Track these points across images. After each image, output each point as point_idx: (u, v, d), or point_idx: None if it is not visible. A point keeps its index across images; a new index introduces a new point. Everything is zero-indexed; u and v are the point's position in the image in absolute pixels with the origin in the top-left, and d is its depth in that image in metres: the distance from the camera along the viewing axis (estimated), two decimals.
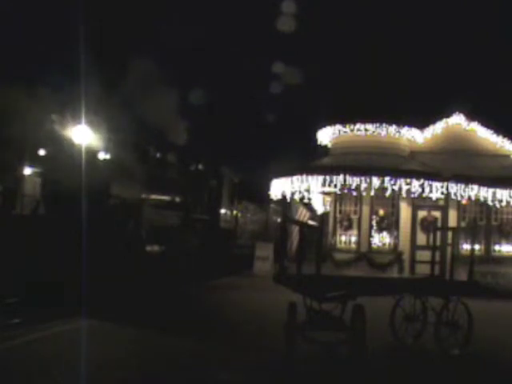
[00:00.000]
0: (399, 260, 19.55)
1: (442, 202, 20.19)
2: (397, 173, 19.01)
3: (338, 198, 20.57)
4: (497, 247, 20.84)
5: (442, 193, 19.33)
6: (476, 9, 57.11)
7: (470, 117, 22.26)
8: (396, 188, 18.81)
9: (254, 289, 19.27)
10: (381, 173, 18.76)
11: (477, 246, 18.73)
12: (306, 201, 23.12)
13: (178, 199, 18.98)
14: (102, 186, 13.61)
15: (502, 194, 20.00)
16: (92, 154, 13.63)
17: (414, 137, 21.61)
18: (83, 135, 13.50)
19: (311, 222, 23.32)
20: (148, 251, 15.18)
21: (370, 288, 10.52)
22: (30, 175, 17.13)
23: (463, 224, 20.40)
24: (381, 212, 20.16)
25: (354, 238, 20.18)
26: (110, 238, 13.33)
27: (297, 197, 21.28)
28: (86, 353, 8.56)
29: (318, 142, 22.81)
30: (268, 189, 22.31)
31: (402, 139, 21.45)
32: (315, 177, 19.34)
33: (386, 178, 18.72)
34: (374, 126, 20.90)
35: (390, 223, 20.15)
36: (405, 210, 20.26)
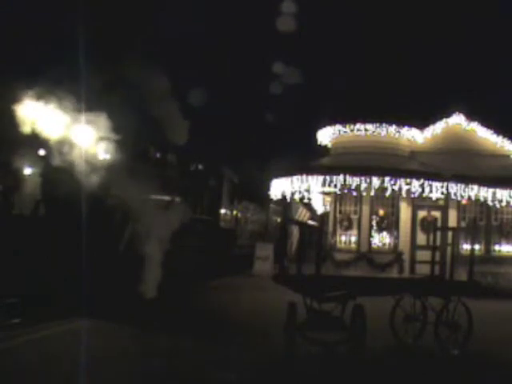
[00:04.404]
0: (399, 260, 19.54)
1: (442, 202, 20.18)
2: (397, 173, 19.00)
3: (338, 198, 20.55)
4: (497, 247, 20.83)
5: (442, 193, 19.33)
6: (476, 9, 57.12)
7: (470, 117, 22.24)
8: (396, 188, 18.80)
9: (254, 289, 19.27)
10: (381, 173, 18.76)
11: (477, 246, 18.72)
12: (306, 201, 23.12)
13: (177, 199, 18.96)
14: (102, 186, 13.60)
15: (502, 194, 20.00)
16: (92, 153, 13.62)
17: (413, 137, 21.60)
18: (83, 135, 13.49)
19: (311, 222, 23.35)
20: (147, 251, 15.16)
21: (370, 288, 10.54)
22: (29, 175, 17.11)
23: (463, 224, 20.40)
24: (381, 212, 20.15)
25: (353, 238, 20.17)
26: (109, 238, 13.31)
27: (297, 197, 21.28)
28: (85, 352, 8.57)
29: (318, 142, 22.80)
30: (268, 189, 22.30)
31: (402, 139, 21.44)
32: (315, 177, 19.33)
33: (386, 178, 18.71)
34: (374, 126, 20.89)
35: (390, 223, 20.14)
36: (405, 210, 20.26)
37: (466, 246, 17.27)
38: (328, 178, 19.04)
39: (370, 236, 19.94)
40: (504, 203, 20.17)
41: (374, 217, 20.06)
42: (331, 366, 9.29)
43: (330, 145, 22.62)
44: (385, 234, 20.09)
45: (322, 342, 9.43)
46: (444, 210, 20.40)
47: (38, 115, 13.01)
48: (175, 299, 15.25)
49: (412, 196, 19.37)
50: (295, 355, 9.05)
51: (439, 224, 19.91)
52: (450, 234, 14.26)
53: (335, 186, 19.11)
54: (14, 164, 15.92)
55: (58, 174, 13.46)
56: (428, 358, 10.23)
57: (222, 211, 25.15)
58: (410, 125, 21.31)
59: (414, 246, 20.06)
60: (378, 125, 20.89)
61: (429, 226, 19.46)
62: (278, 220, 33.97)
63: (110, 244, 13.43)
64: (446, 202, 20.19)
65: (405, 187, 18.83)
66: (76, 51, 12.99)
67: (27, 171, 17.18)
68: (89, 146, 13.54)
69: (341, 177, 18.83)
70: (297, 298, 9.56)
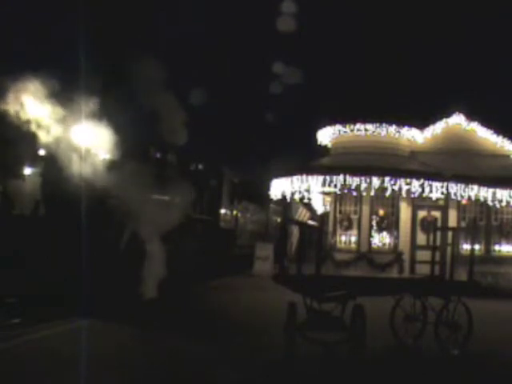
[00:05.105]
0: (399, 260, 19.55)
1: (442, 202, 20.19)
2: (397, 173, 19.01)
3: (338, 198, 20.56)
4: (497, 247, 20.84)
5: (442, 193, 19.33)
6: (476, 9, 57.14)
7: (470, 117, 22.25)
8: (396, 188, 18.80)
9: (254, 289, 19.27)
10: (381, 173, 18.76)
11: (477, 246, 18.72)
12: (306, 201, 23.13)
13: (177, 199, 18.95)
14: (102, 186, 13.60)
15: (502, 194, 20.01)
16: (92, 153, 13.62)
17: (413, 137, 21.61)
18: (83, 135, 13.48)
19: (311, 222, 23.34)
20: (148, 251, 15.16)
21: (370, 288, 10.53)
22: (29, 175, 17.11)
23: (463, 224, 20.40)
24: (381, 212, 20.16)
25: (353, 238, 20.17)
26: (109, 238, 13.31)
27: (297, 197, 21.28)
28: (85, 352, 8.56)
29: (318, 142, 22.80)
30: (268, 189, 22.31)
31: (402, 139, 21.44)
32: (315, 177, 19.33)
33: (386, 178, 18.72)
34: (374, 126, 20.89)
35: (390, 223, 20.14)
36: (405, 210, 20.26)
37: (466, 246, 17.27)
38: (328, 177, 19.04)
39: (370, 236, 19.95)
40: (504, 203, 20.18)
41: (374, 217, 20.06)
42: (331, 366, 9.28)
43: (330, 145, 22.61)
44: (385, 233, 20.10)
45: (322, 342, 9.43)
46: (444, 209, 20.40)
47: (38, 115, 13.01)
48: (175, 299, 15.24)
49: (412, 196, 19.38)
50: (295, 355, 9.05)
51: (439, 224, 19.91)
52: (450, 233, 14.26)
53: (335, 186, 19.12)
54: (14, 164, 15.92)
55: (58, 173, 13.45)
56: (428, 358, 10.23)
57: (222, 211, 25.14)
58: (410, 125, 21.32)
59: (414, 246, 20.06)
60: (378, 125, 20.89)
61: (429, 226, 19.46)
62: (278, 220, 33.95)
63: (110, 244, 13.42)
64: (446, 202, 20.20)
65: (405, 187, 18.84)
66: (76, 51, 12.99)
67: (27, 171, 17.17)
68: (89, 146, 13.54)
69: (341, 177, 18.84)
70: (297, 298, 9.56)
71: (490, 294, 17.57)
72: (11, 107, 12.82)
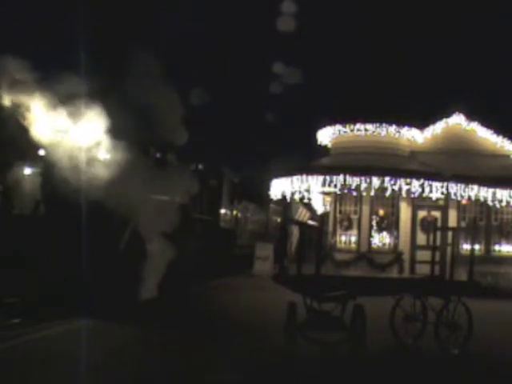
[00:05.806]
0: (399, 260, 19.54)
1: (442, 202, 20.19)
2: (397, 173, 19.01)
3: (338, 198, 20.55)
4: (497, 247, 20.84)
5: (442, 193, 19.33)
6: (476, 9, 57.14)
7: (470, 117, 22.25)
8: (396, 188, 18.80)
9: (254, 289, 19.27)
10: (381, 173, 18.76)
11: (477, 246, 18.71)
12: (306, 201, 23.12)
13: (177, 199, 18.94)
14: (102, 186, 13.59)
15: (502, 194, 20.01)
16: (92, 153, 13.62)
17: (413, 137, 21.61)
18: (83, 134, 13.48)
19: (311, 222, 23.33)
20: (148, 251, 15.15)
21: (370, 288, 10.53)
22: (29, 175, 17.11)
23: (463, 224, 20.40)
24: (381, 212, 20.15)
25: (353, 238, 20.16)
26: (109, 238, 13.30)
27: (297, 197, 21.28)
28: (86, 352, 8.57)
29: (318, 142, 22.80)
30: (268, 189, 22.31)
31: (402, 139, 21.44)
32: (315, 177, 19.33)
33: (386, 178, 18.71)
34: (374, 126, 20.89)
35: (390, 223, 20.13)
36: (405, 210, 20.26)
37: (466, 246, 17.27)
38: (328, 177, 19.04)
39: (370, 236, 19.94)
40: (504, 203, 20.18)
41: (374, 217, 20.05)
42: (331, 366, 9.28)
43: (330, 145, 22.61)
44: (385, 233, 20.09)
45: (322, 342, 9.43)
46: (444, 209, 20.40)
47: (38, 114, 13.01)
48: (175, 299, 15.24)
49: (412, 196, 19.38)
50: (295, 355, 9.05)
51: (439, 224, 19.91)
52: (450, 233, 14.27)
53: (335, 186, 19.12)
54: (14, 164, 15.92)
55: (58, 173, 13.45)
56: (428, 358, 10.23)
57: (222, 211, 25.14)
58: (410, 125, 21.31)
59: (414, 246, 20.05)
60: (378, 125, 20.89)
61: (429, 226, 19.46)
62: (278, 220, 33.95)
63: (110, 244, 13.42)
64: (446, 202, 20.19)
65: (405, 187, 18.84)
66: (76, 51, 13.00)
67: (27, 171, 17.16)
68: (89, 146, 13.54)
69: (341, 177, 18.83)
70: (297, 298, 9.56)
71: (490, 294, 17.56)
72: (11, 105, 12.84)
